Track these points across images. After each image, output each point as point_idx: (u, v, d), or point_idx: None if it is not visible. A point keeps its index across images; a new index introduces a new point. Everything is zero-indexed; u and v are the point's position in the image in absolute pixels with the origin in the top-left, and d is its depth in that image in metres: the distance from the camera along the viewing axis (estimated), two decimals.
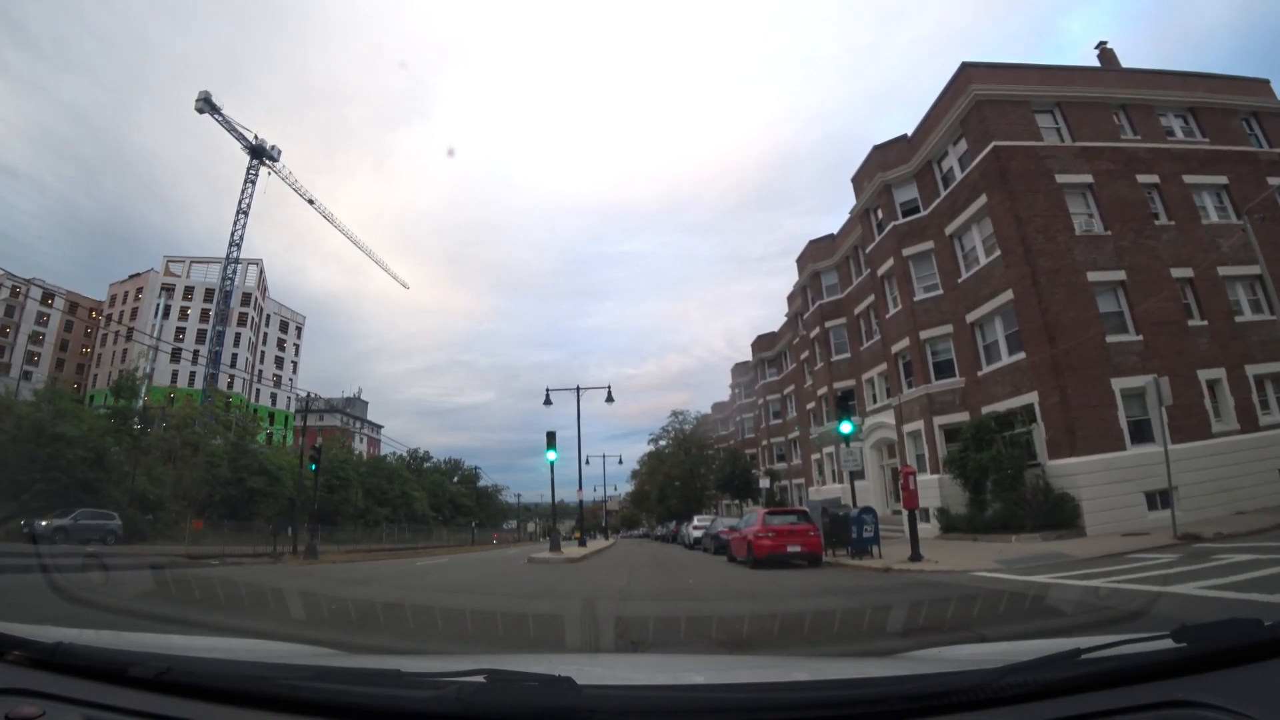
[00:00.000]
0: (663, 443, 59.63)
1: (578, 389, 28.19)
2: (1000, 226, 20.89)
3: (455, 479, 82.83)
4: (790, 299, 42.10)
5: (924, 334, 24.20)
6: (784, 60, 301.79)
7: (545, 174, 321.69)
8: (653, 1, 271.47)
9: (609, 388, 29.03)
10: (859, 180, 28.92)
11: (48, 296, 62.68)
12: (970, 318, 22.36)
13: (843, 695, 1.36)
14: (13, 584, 10.04)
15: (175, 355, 67.11)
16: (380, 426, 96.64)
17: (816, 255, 34.84)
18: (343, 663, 2.03)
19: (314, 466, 23.69)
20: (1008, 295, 20.47)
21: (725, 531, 21.38)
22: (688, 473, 52.95)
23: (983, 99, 21.31)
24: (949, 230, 23.51)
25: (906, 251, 25.36)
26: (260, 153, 69.79)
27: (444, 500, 73.88)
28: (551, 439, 23.84)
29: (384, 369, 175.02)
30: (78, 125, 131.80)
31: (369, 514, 54.82)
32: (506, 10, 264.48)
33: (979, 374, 22.02)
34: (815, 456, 36.73)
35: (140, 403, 44.23)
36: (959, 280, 23.08)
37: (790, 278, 41.68)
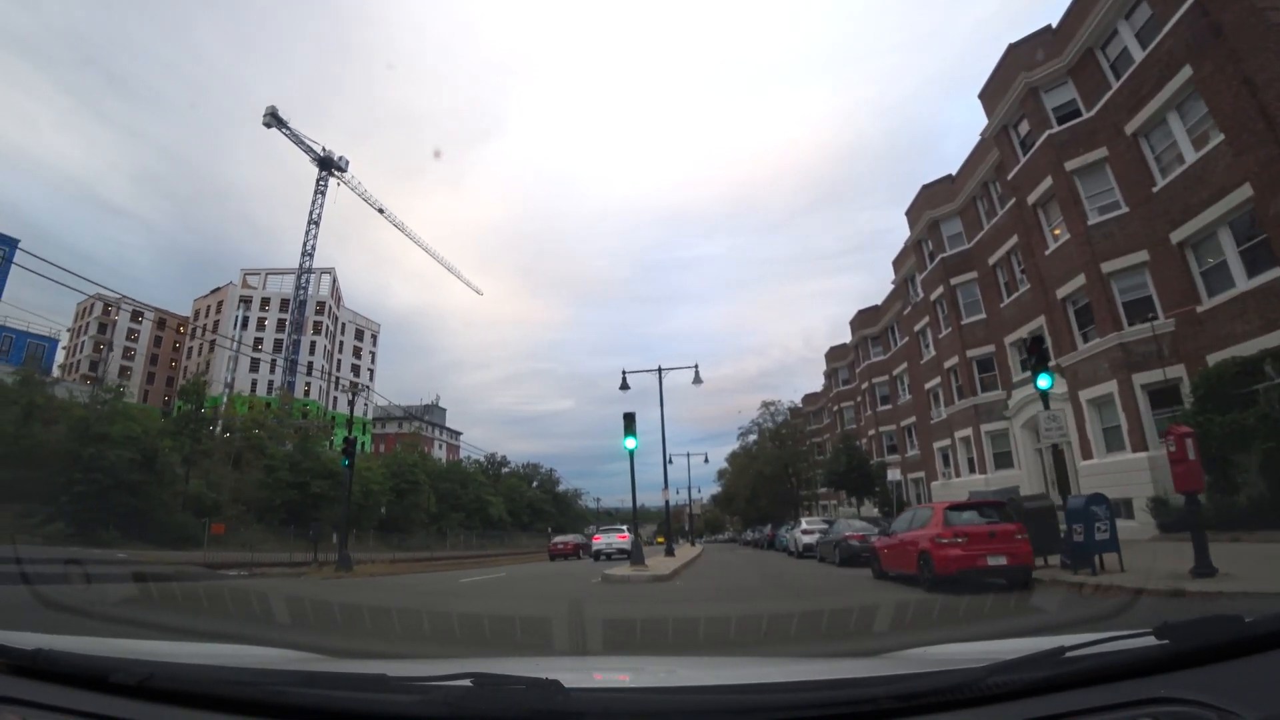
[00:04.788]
0: (751, 438, 54.32)
1: (659, 370, 23.65)
2: (1220, 102, 15.22)
3: (534, 484, 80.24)
4: (897, 263, 36.24)
5: (1107, 267, 18.44)
6: (845, 53, 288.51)
7: (614, 182, 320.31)
8: (712, 7, 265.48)
9: (696, 367, 24.23)
10: (990, 93, 23.33)
11: (137, 314, 64.53)
12: (1178, 236, 16.57)
13: (830, 696, 1.34)
14: None
15: (254, 364, 67.56)
16: (459, 433, 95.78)
17: (933, 201, 29.13)
18: (328, 667, 1.97)
19: (346, 462, 20.30)
20: (1242, 193, 14.75)
21: (854, 536, 16.37)
22: (782, 470, 47.38)
23: None
24: (1130, 128, 17.85)
25: (1070, 165, 19.73)
26: (328, 164, 69.83)
27: (521, 505, 71.25)
28: (630, 422, 19.16)
29: (465, 380, 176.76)
30: (174, 165, 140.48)
31: (442, 519, 52.46)
32: (571, 27, 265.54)
33: (1198, 309, 16.14)
34: (941, 444, 30.77)
35: (217, 406, 43.33)
36: (1153, 190, 17.37)
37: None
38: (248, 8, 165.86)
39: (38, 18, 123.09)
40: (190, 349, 72.78)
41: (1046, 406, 12.02)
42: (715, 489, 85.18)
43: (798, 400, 59.71)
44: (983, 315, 26.70)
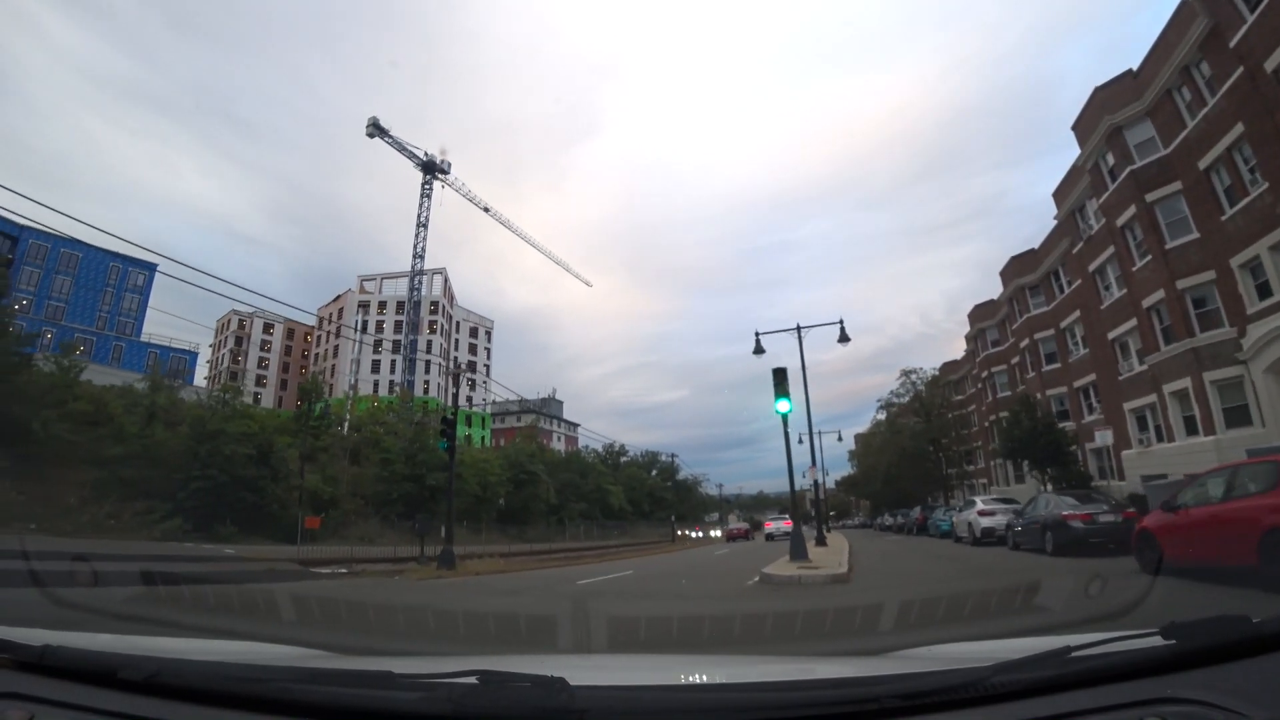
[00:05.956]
0: (881, 416, 49.03)
1: (798, 328, 20.19)
2: None
3: (653, 472, 78.26)
4: (1059, 194, 30.47)
5: None
6: (944, 8, 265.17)
7: (714, 169, 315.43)
8: None
9: (840, 323, 20.42)
10: None
11: (269, 326, 68.61)
12: None
13: (834, 695, 1.32)
14: None
15: (375, 366, 70.07)
16: (576, 425, 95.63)
17: (1111, 104, 23.61)
18: (334, 664, 1.95)
19: (444, 445, 18.46)
20: None
21: (1077, 515, 12.33)
22: (928, 444, 41.91)
23: None
24: None
25: None
26: (431, 168, 71.09)
27: (642, 494, 69.52)
28: (781, 381, 15.40)
29: (581, 375, 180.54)
30: (298, 195, 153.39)
31: (562, 510, 51.45)
32: (658, 16, 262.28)
33: None
34: (1136, 404, 25.17)
35: (330, 404, 44.34)
36: None
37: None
38: (348, 44, 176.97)
39: (167, 77, 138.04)
40: (316, 355, 76.92)
41: None
42: (837, 473, 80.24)
43: (935, 369, 53.46)
44: (1194, 235, 21.11)
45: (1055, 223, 31.72)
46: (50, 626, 1.84)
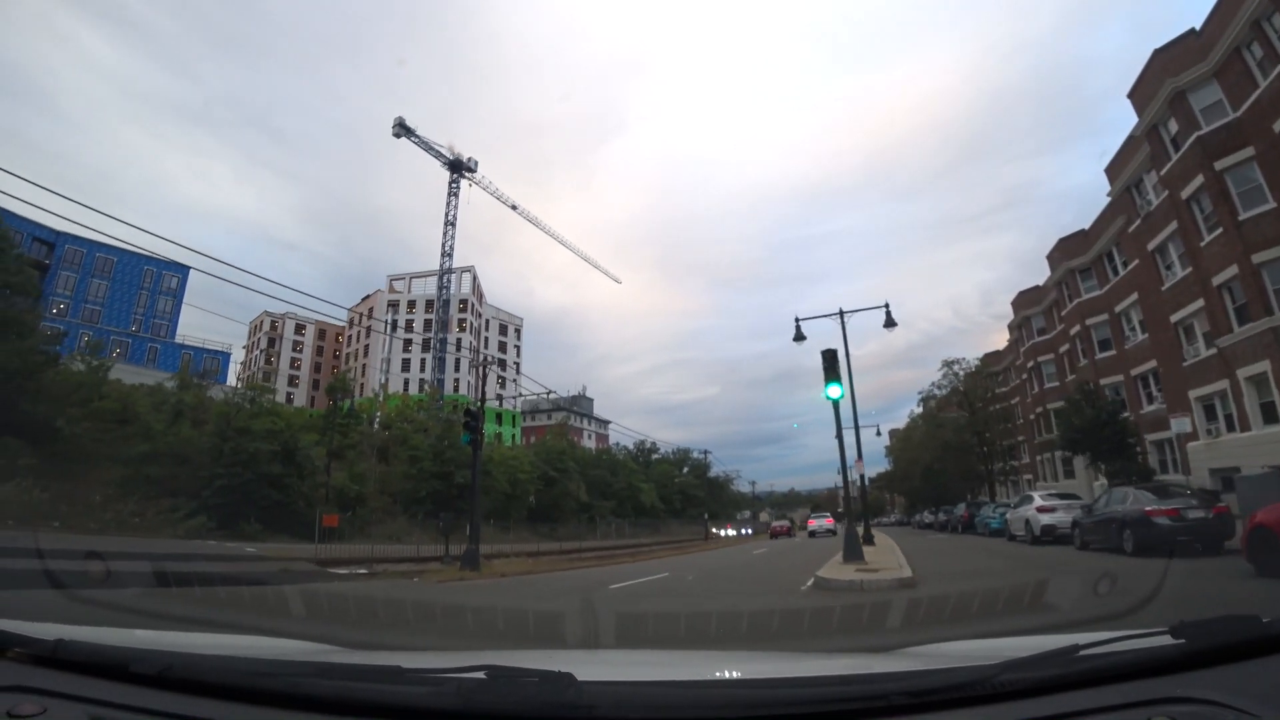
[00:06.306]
0: (919, 410, 47.21)
1: (841, 312, 19.03)
2: None
3: (685, 469, 77.15)
4: (1113, 169, 28.68)
5: None
6: None
7: (742, 165, 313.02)
8: None
9: (886, 306, 19.15)
10: None
11: (301, 327, 69.26)
12: None
13: (841, 691, 1.30)
14: None
15: (405, 365, 70.35)
16: (607, 422, 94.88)
17: (1173, 66, 21.93)
18: (344, 659, 1.96)
19: (466, 439, 17.69)
20: None
21: (1162, 511, 10.99)
22: (971, 437, 40.07)
23: None
24: None
25: None
26: (458, 166, 71.10)
27: (673, 492, 68.50)
28: (832, 364, 14.43)
29: (612, 372, 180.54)
30: (331, 200, 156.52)
31: (593, 508, 50.75)
32: (683, 12, 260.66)
33: None
34: (1203, 391, 23.30)
35: (356, 402, 44.39)
36: None
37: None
38: (376, 53, 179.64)
39: (202, 89, 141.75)
40: (347, 355, 77.71)
41: None
42: (872, 470, 78.48)
43: (977, 360, 51.40)
44: (1270, 204, 19.36)
45: (1108, 200, 29.87)
46: (61, 623, 1.82)
